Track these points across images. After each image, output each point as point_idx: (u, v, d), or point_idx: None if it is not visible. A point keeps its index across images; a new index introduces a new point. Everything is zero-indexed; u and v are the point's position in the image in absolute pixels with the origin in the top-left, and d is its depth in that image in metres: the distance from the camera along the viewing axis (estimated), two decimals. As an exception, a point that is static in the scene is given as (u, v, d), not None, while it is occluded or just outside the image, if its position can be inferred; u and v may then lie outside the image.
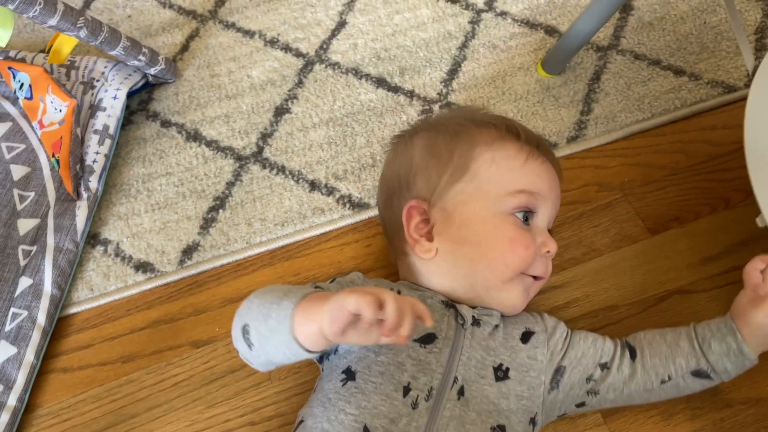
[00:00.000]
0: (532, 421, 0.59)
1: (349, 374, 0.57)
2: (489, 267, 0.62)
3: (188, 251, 0.77)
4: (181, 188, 0.82)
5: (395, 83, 0.89)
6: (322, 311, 0.49)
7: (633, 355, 0.62)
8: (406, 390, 0.55)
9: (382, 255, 0.77)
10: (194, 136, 0.86)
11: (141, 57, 0.83)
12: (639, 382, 0.62)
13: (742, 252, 0.75)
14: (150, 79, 0.89)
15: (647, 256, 0.75)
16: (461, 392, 0.56)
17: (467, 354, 0.58)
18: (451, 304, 0.62)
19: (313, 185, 0.81)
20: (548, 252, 0.64)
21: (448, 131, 0.67)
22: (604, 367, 0.62)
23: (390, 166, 0.70)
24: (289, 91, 0.89)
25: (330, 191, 0.81)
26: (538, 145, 0.67)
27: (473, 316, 0.61)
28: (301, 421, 0.58)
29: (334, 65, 0.91)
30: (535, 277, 0.65)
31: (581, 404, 0.63)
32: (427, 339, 0.58)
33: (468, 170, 0.64)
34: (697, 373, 0.61)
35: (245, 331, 0.55)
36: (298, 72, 0.90)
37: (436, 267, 0.64)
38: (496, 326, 0.62)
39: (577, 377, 0.62)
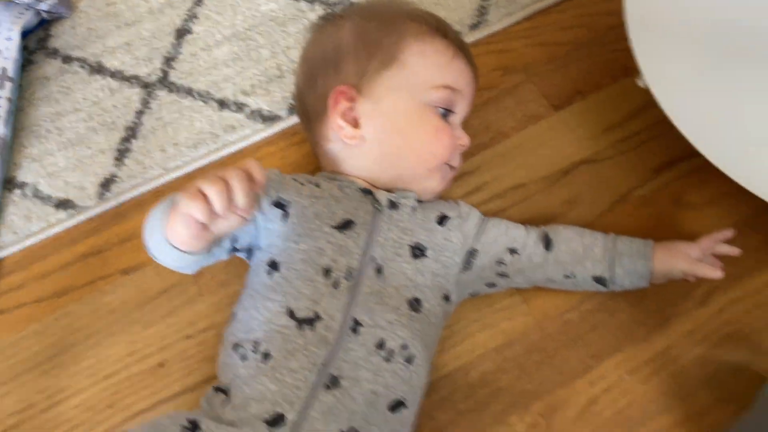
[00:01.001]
0: (446, 297, 0.63)
1: (273, 266, 0.60)
2: (416, 155, 0.66)
3: (106, 184, 0.78)
4: (90, 123, 0.82)
5: (295, -10, 0.87)
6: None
7: (548, 247, 0.66)
8: (327, 272, 0.59)
9: (299, 165, 0.79)
10: (98, 69, 0.85)
11: (28, -8, 0.81)
12: (545, 271, 0.66)
13: (641, 117, 0.77)
14: (44, 15, 0.86)
15: (552, 133, 0.77)
16: (379, 270, 0.60)
17: (384, 236, 0.62)
18: (368, 190, 0.64)
19: (222, 104, 0.81)
20: (462, 145, 0.68)
21: (381, 19, 0.68)
22: (514, 252, 0.66)
23: (315, 45, 0.70)
24: (188, 10, 0.87)
25: (240, 107, 0.81)
26: (462, 47, 0.70)
27: (390, 200, 0.64)
28: (233, 315, 0.61)
29: (232, -22, 0.89)
30: (451, 167, 0.68)
31: (491, 284, 0.67)
32: (345, 225, 0.61)
33: (397, 60, 0.65)
34: (598, 279, 0.65)
35: (148, 248, 0.58)
36: (195, -10, 0.88)
37: (361, 154, 0.66)
38: (414, 209, 0.65)
39: (488, 260, 0.65)
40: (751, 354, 0.66)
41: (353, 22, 0.68)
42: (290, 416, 0.53)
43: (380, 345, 0.56)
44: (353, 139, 0.65)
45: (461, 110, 0.68)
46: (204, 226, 0.52)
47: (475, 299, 0.69)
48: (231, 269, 0.73)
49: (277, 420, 0.53)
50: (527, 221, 0.73)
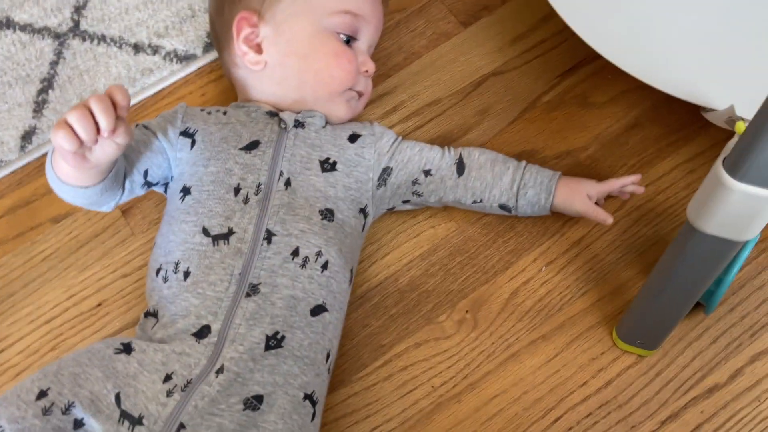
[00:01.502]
0: (363, 212, 0.66)
1: (185, 191, 0.63)
2: (316, 78, 0.67)
3: (27, 136, 0.78)
4: (4, 78, 0.81)
5: (200, -71, 0.87)
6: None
7: (460, 172, 0.68)
8: (237, 190, 0.61)
9: (219, 101, 0.80)
10: (6, 24, 0.83)
11: None
12: (456, 194, 0.69)
13: (544, 26, 0.80)
14: (-57, -27, 0.84)
15: (462, 48, 0.80)
16: (288, 183, 0.62)
17: (291, 151, 0.64)
18: (274, 112, 0.66)
19: (137, 47, 0.81)
20: (367, 71, 0.70)
21: None
22: (428, 173, 0.68)
23: None
24: (93, -42, 0.86)
25: (155, 50, 0.81)
26: None
27: (296, 120, 0.66)
28: (154, 243, 0.64)
29: None
30: (359, 94, 0.70)
31: (406, 201, 0.70)
32: (252, 146, 0.64)
33: None
34: (503, 207, 0.68)
35: (57, 193, 0.61)
36: (99, -63, 0.87)
37: (266, 78, 0.68)
38: (324, 127, 0.67)
39: (403, 179, 0.68)
40: (655, 236, 0.71)
41: None
42: (215, 326, 0.56)
43: (295, 252, 0.59)
44: (257, 64, 0.67)
45: (366, 36, 0.70)
46: (80, 156, 0.55)
47: (399, 211, 0.72)
48: (162, 207, 0.74)
49: (203, 331, 0.56)
50: (444, 134, 0.76)
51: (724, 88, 0.62)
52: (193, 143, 0.64)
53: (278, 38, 0.67)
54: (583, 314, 0.68)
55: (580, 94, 0.77)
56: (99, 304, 0.71)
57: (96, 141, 0.53)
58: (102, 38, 0.82)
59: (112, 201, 0.64)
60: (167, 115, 0.67)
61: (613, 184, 0.68)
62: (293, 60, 0.67)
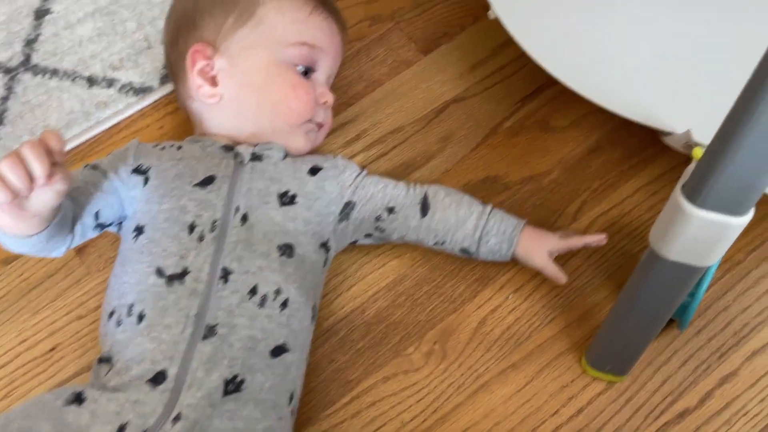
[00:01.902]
0: (324, 246, 0.64)
1: (139, 230, 0.61)
2: (273, 111, 0.66)
3: (-24, 175, 0.75)
4: (-48, 115, 0.78)
5: (155, -40, 0.86)
6: None
7: (424, 212, 0.66)
8: (192, 227, 0.59)
9: (176, 134, 0.78)
10: (-46, 59, 0.81)
11: None
12: (419, 235, 0.67)
13: (503, 52, 0.81)
14: None
15: (423, 75, 0.80)
16: (245, 218, 0.60)
17: (248, 185, 0.62)
18: (230, 146, 0.65)
19: (91, 81, 0.80)
20: (326, 102, 0.69)
21: None
22: (392, 210, 0.67)
23: (177, 2, 0.71)
24: (45, -10, 0.84)
25: (110, 83, 0.79)
26: (324, 3, 0.70)
27: (253, 153, 0.64)
28: (108, 284, 0.61)
29: (88, -46, 0.86)
30: (318, 126, 0.69)
31: (368, 235, 0.69)
32: (207, 181, 0.62)
33: (254, 15, 0.66)
34: (464, 251, 0.67)
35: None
36: (50, -31, 0.85)
37: (222, 111, 0.67)
38: (283, 159, 0.66)
39: (366, 214, 0.67)
40: (621, 259, 0.71)
41: None
42: (171, 370, 0.53)
43: (253, 291, 0.57)
44: (212, 97, 0.66)
45: (324, 67, 0.69)
46: (16, 206, 0.52)
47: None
48: (117, 245, 0.72)
49: (158, 377, 0.53)
50: (407, 162, 0.76)
51: (681, 113, 0.63)
52: (146, 180, 0.62)
53: (234, 70, 0.66)
54: (552, 341, 0.68)
55: (541, 119, 0.77)
56: (53, 348, 0.68)
57: (31, 189, 0.51)
58: (54, 72, 0.80)
59: (62, 246, 0.61)
60: (118, 153, 0.65)
61: (575, 242, 0.66)
62: (250, 92, 0.66)
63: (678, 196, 0.46)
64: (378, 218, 0.67)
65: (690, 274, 0.51)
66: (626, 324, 0.58)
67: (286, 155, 0.67)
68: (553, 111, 0.77)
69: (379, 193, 0.67)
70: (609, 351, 0.62)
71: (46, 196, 0.52)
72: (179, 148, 0.65)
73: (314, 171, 0.66)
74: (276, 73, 0.66)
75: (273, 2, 0.67)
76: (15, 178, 0.49)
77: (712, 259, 0.49)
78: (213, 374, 0.53)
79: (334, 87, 0.78)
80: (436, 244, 0.68)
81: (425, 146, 0.76)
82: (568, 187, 0.74)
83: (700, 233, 0.46)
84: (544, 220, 0.72)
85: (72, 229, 0.61)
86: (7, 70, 0.80)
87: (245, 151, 0.64)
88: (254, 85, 0.66)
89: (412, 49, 0.81)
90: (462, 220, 0.66)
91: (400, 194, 0.67)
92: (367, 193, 0.67)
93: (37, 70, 0.80)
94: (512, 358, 0.67)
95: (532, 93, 0.78)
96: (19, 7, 0.83)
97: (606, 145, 0.75)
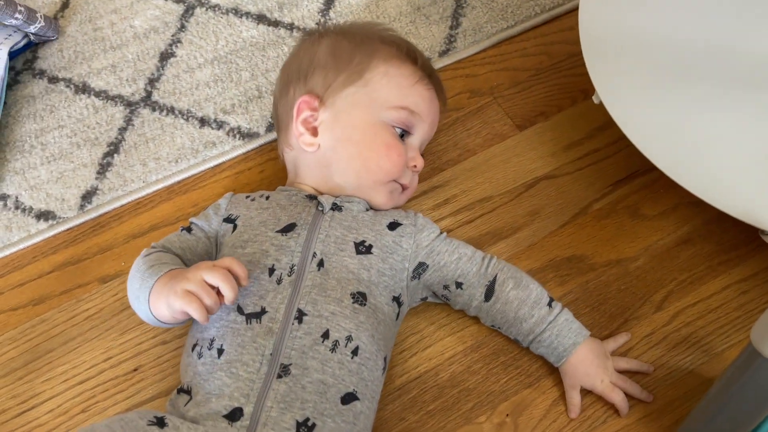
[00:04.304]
0: (396, 300, 0.66)
1: None
2: (363, 166, 0.69)
3: (87, 196, 0.80)
4: (74, 139, 0.84)
5: (275, 18, 0.92)
6: (167, 295, 0.58)
7: (488, 297, 0.67)
8: (271, 271, 0.62)
9: (276, 179, 0.82)
10: (83, 89, 0.88)
11: (18, 15, 0.84)
12: (479, 314, 0.69)
13: (599, 136, 0.82)
14: (32, 38, 0.90)
15: (516, 150, 0.82)
16: (321, 264, 0.63)
17: (326, 233, 0.65)
18: (313, 196, 0.68)
19: (203, 121, 0.85)
20: (415, 167, 0.72)
21: (354, 39, 0.73)
22: (459, 286, 0.68)
23: (294, 57, 0.75)
24: (172, 36, 0.91)
25: (220, 125, 0.85)
26: (430, 75, 0.74)
27: (334, 203, 0.67)
28: (193, 320, 0.63)
29: (215, 7, 0.93)
30: (402, 187, 0.72)
31: (436, 296, 0.71)
32: (288, 228, 0.65)
33: (362, 77, 0.70)
34: (515, 341, 0.69)
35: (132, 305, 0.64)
36: (179, 17, 0.93)
37: (315, 161, 0.70)
38: (362, 212, 0.68)
39: (436, 280, 0.68)
40: (704, 356, 0.69)
41: (330, 39, 0.73)
42: (247, 408, 0.55)
43: (325, 335, 0.59)
44: (310, 146, 0.69)
45: (420, 133, 0.72)
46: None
47: (443, 304, 0.72)
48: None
49: (235, 413, 0.55)
50: (493, 231, 0.77)
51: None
52: (234, 228, 0.67)
53: (335, 124, 0.69)
54: (628, 430, 0.66)
55: (631, 205, 0.78)
56: (135, 369, 0.71)
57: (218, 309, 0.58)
58: (171, 110, 0.86)
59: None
60: (213, 207, 0.71)
61: (609, 395, 0.66)
62: (345, 146, 0.69)
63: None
64: (446, 287, 0.68)
65: (792, 378, 0.49)
66: (714, 423, 0.56)
67: (369, 209, 0.70)
68: (645, 198, 0.78)
69: (452, 264, 0.68)
70: (690, 448, 0.60)
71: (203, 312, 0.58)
72: (267, 198, 0.69)
73: (393, 226, 0.68)
74: (374, 131, 0.69)
75: (382, 68, 0.70)
76: (213, 305, 0.57)
77: (819, 365, 0.47)
78: (286, 414, 0.55)
79: (429, 151, 0.81)
80: (492, 326, 0.69)
81: (512, 218, 0.78)
82: (655, 275, 0.73)
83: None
84: (628, 305, 0.72)
85: None
86: (129, 104, 0.87)
87: (326, 201, 0.67)
88: (352, 140, 0.69)
89: (507, 124, 0.84)
90: (520, 320, 0.67)
91: (472, 270, 0.68)
92: (441, 260, 0.68)
93: (155, 106, 0.86)
94: (585, 442, 0.65)
95: (625, 178, 0.79)
96: (147, 48, 0.90)
97: (696, 238, 0.75)
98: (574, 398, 0.66)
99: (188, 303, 0.56)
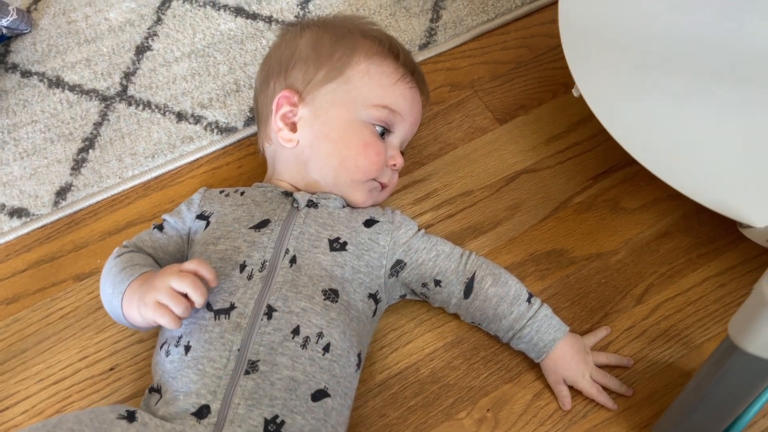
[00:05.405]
0: (373, 297, 0.65)
1: None
2: (342, 164, 0.68)
3: (62, 192, 0.79)
4: (48, 134, 0.83)
5: (253, 10, 0.91)
6: (138, 304, 0.58)
7: (467, 295, 0.67)
8: (242, 267, 0.61)
9: (254, 174, 0.81)
10: (56, 83, 0.86)
11: (-12, 8, 0.83)
12: (458, 311, 0.69)
13: (579, 129, 0.82)
14: (4, 31, 0.88)
15: (497, 144, 0.82)
16: (293, 260, 0.62)
17: (300, 229, 0.64)
18: (289, 192, 0.67)
19: (180, 116, 0.84)
20: (394, 165, 0.71)
21: (336, 33, 0.71)
22: (438, 284, 0.67)
23: (275, 50, 0.74)
24: (148, 29, 0.90)
25: (197, 120, 0.83)
26: (413, 72, 0.73)
27: (310, 200, 0.67)
28: None
29: (192, 0, 0.92)
30: (381, 185, 0.71)
31: (414, 294, 0.70)
32: (261, 224, 0.64)
33: (342, 74, 0.69)
34: (495, 337, 0.69)
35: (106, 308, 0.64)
36: (156, 10, 0.91)
37: (293, 156, 0.70)
38: (337, 209, 0.67)
39: (414, 278, 0.68)
40: (683, 348, 0.70)
41: (312, 32, 0.72)
42: (214, 405, 0.54)
43: (295, 331, 0.58)
44: (289, 142, 0.69)
45: (400, 132, 0.71)
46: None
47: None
48: (185, 274, 0.74)
49: (202, 411, 0.54)
50: (474, 225, 0.76)
51: (760, 205, 0.62)
52: (207, 224, 0.66)
53: (314, 121, 0.69)
54: (608, 423, 0.66)
55: (612, 198, 0.78)
56: (112, 368, 0.70)
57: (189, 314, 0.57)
58: (147, 104, 0.84)
59: None
60: (185, 203, 0.70)
61: (589, 391, 0.66)
62: (324, 143, 0.68)
63: (764, 288, 0.45)
64: (424, 285, 0.68)
65: (769, 371, 0.50)
66: (693, 416, 0.56)
67: (345, 206, 0.69)
68: (625, 192, 0.78)
69: (430, 261, 0.67)
70: (670, 441, 0.61)
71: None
72: (242, 194, 0.68)
73: (369, 223, 0.67)
74: (352, 129, 0.68)
75: (363, 65, 0.69)
76: (182, 312, 0.56)
77: (795, 357, 0.47)
78: (254, 411, 0.54)
79: (409, 145, 0.81)
80: (472, 323, 0.69)
81: (493, 212, 0.77)
82: (635, 268, 0.73)
83: (786, 330, 0.45)
84: (609, 299, 0.72)
85: None
86: (104, 98, 0.85)
87: (302, 197, 0.66)
88: (330, 138, 0.68)
89: (488, 118, 0.83)
90: (499, 317, 0.67)
91: (450, 268, 0.67)
92: (419, 257, 0.67)
93: (131, 101, 0.85)
94: (566, 436, 0.65)
95: (605, 172, 0.79)
96: (122, 42, 0.89)
97: (676, 232, 0.75)
98: (563, 391, 0.66)
99: (160, 315, 0.56)
